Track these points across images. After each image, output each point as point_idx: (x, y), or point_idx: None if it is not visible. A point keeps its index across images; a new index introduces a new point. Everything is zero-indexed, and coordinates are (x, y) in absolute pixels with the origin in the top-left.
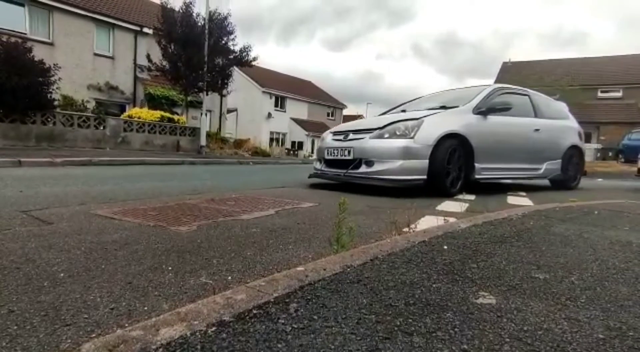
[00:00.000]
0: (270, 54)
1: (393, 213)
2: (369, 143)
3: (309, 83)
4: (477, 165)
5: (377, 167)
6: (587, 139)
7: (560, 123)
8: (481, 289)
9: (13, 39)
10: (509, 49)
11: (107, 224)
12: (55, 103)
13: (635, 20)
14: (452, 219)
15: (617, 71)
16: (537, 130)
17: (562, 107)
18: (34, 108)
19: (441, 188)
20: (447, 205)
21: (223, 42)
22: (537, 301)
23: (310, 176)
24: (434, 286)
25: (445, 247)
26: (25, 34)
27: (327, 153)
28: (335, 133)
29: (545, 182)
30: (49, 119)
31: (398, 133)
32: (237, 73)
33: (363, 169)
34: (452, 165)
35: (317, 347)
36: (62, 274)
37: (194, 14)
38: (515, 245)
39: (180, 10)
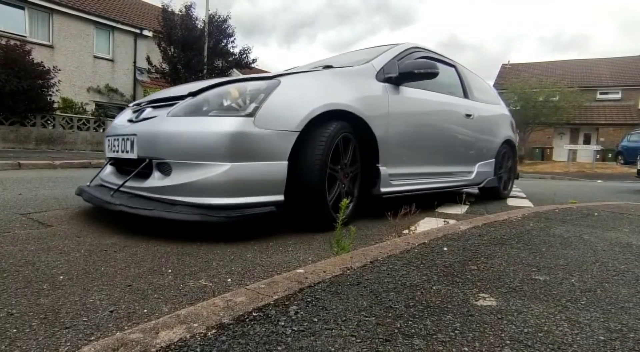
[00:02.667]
0: (271, 57)
1: (392, 215)
2: (165, 125)
3: None
4: (383, 169)
5: (177, 177)
6: (587, 140)
7: (493, 109)
8: (481, 291)
9: (12, 42)
10: (510, 51)
11: (106, 227)
12: (55, 105)
13: (635, 24)
14: (452, 221)
15: (616, 73)
16: (469, 116)
17: (492, 88)
18: (33, 111)
19: (318, 215)
20: (448, 207)
21: (222, 44)
22: (538, 302)
23: (76, 192)
24: (434, 288)
25: (445, 249)
26: (25, 36)
27: (109, 146)
28: (135, 107)
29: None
30: (49, 122)
31: (226, 104)
32: (236, 75)
33: (153, 180)
34: (341, 172)
35: (317, 349)
36: (61, 277)
37: (194, 17)
38: (516, 247)
39: (180, 13)
